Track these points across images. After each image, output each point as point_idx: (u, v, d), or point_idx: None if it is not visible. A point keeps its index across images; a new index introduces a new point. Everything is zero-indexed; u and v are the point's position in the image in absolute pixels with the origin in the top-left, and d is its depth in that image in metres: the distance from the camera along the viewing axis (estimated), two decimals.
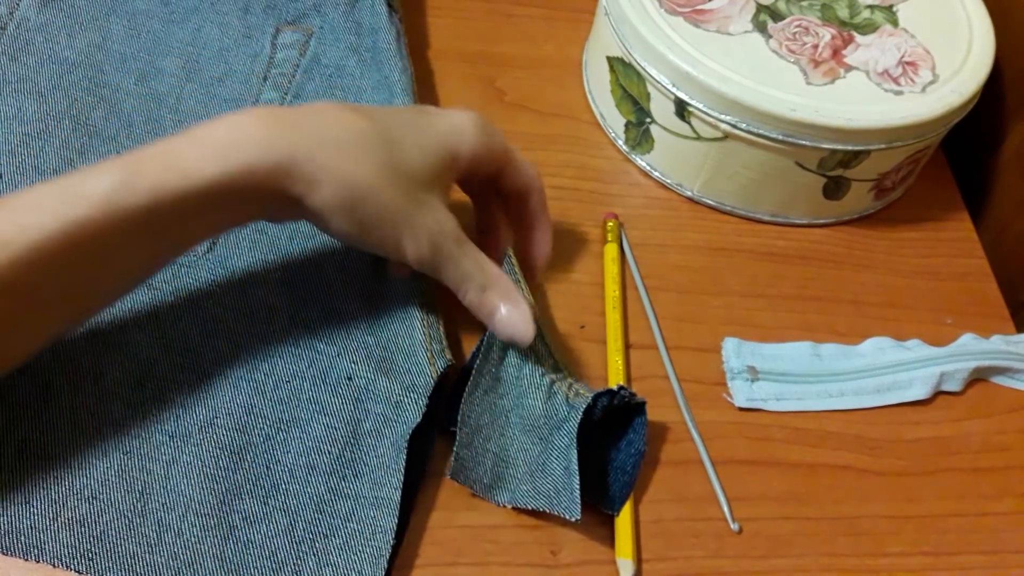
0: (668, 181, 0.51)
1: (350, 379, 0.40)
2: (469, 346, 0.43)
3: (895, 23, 0.51)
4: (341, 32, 0.52)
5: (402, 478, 0.37)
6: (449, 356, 0.41)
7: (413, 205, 0.36)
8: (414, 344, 0.41)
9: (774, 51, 0.48)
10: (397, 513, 0.37)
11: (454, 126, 0.38)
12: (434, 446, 0.40)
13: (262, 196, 0.34)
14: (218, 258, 0.43)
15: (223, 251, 0.43)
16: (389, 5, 0.54)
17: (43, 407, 0.37)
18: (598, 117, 0.54)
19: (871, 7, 0.51)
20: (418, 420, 0.38)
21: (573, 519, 0.36)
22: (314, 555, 0.35)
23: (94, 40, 0.50)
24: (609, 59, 0.51)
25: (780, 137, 0.45)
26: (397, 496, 0.37)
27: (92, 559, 0.34)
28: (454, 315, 0.44)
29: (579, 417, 0.38)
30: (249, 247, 0.44)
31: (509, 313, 0.38)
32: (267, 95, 0.49)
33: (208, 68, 0.50)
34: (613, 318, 0.45)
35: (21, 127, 0.45)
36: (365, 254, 0.44)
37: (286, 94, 0.50)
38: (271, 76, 0.50)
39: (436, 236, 0.36)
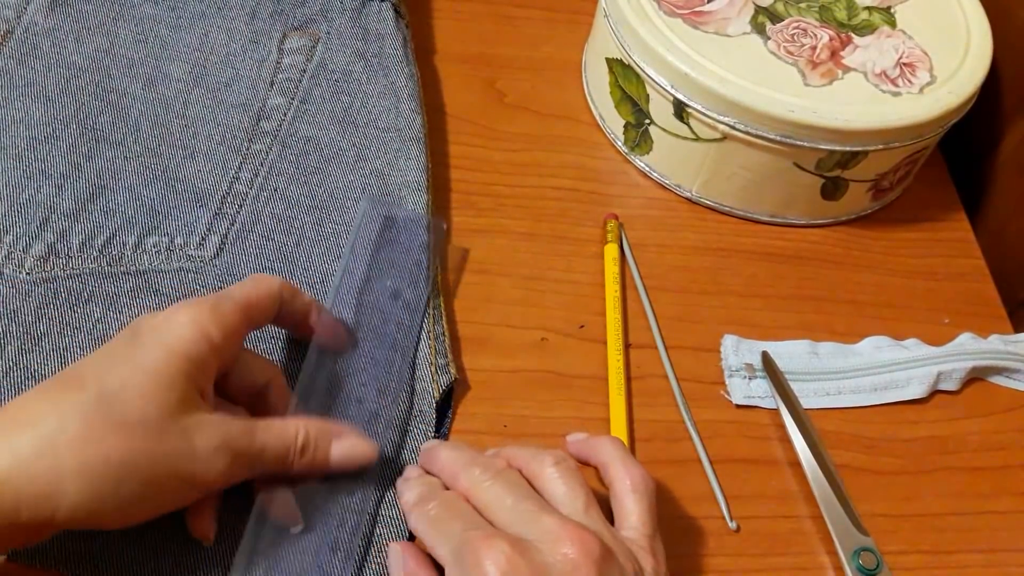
0: (667, 182, 0.52)
1: (360, 402, 0.40)
2: (476, 357, 0.43)
3: (893, 24, 0.51)
4: (348, 38, 0.53)
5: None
6: (453, 371, 0.42)
7: (181, 439, 0.31)
8: (420, 358, 0.41)
9: (772, 52, 0.48)
10: (406, 535, 0.37)
11: (171, 329, 0.33)
12: None
13: None
14: (224, 264, 0.43)
15: (229, 258, 0.43)
16: (396, 11, 0.54)
17: None
18: (597, 118, 0.55)
19: (869, 8, 0.51)
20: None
21: None
22: (317, 568, 0.35)
23: (101, 45, 0.50)
24: (608, 61, 0.51)
25: (778, 138, 0.46)
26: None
27: (96, 565, 0.34)
28: (463, 328, 0.44)
29: None
30: (256, 254, 0.44)
31: (342, 450, 0.35)
32: (274, 100, 0.50)
33: (215, 73, 0.50)
34: (613, 318, 0.45)
35: (28, 131, 0.45)
36: (370, 264, 0.44)
37: (292, 99, 0.50)
38: (278, 81, 0.50)
39: (224, 448, 0.32)
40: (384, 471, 0.38)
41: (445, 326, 0.43)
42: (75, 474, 0.29)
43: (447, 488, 0.36)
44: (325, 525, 0.36)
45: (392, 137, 0.49)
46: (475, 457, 0.36)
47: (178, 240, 0.44)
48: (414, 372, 0.41)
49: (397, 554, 0.35)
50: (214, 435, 0.32)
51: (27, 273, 0.41)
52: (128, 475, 0.30)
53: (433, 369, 0.41)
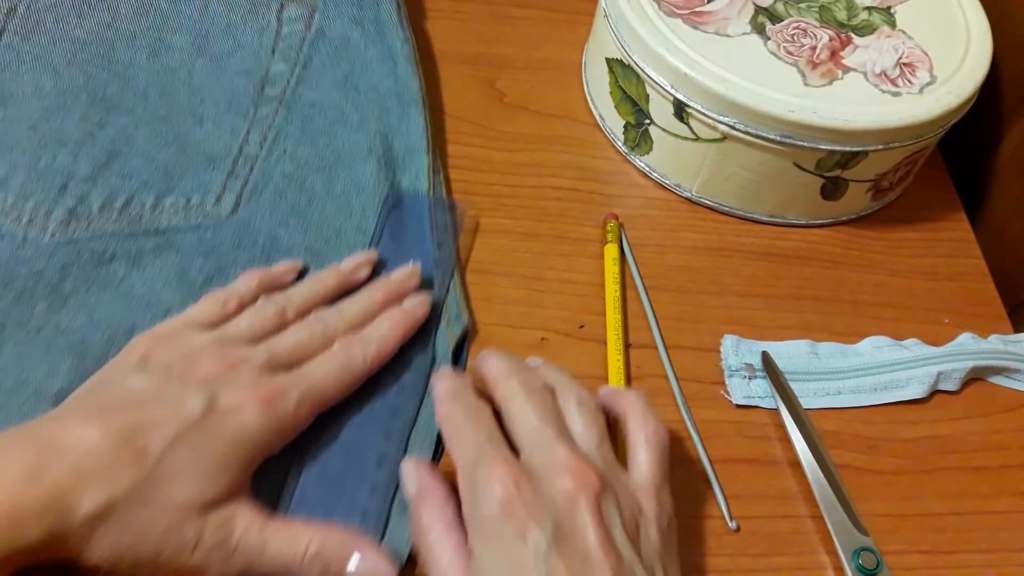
0: (667, 182, 0.52)
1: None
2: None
3: (893, 24, 0.51)
4: (344, 5, 0.54)
5: (434, 440, 0.40)
6: (466, 319, 0.43)
7: (195, 531, 0.33)
8: (435, 310, 0.43)
9: (772, 53, 0.48)
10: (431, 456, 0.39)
11: (241, 430, 0.34)
12: None
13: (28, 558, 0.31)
14: (241, 220, 0.45)
15: (246, 214, 0.45)
16: None
17: (78, 361, 0.39)
18: (597, 118, 0.55)
19: (869, 9, 0.51)
20: None
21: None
22: (354, 503, 0.37)
23: (103, 19, 0.51)
24: (608, 61, 0.51)
25: (778, 138, 0.46)
26: (430, 453, 0.40)
27: None
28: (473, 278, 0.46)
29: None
30: (271, 211, 0.46)
31: (360, 568, 0.35)
32: (276, 67, 0.51)
33: (217, 43, 0.52)
34: (613, 318, 0.45)
35: (40, 102, 0.47)
36: (380, 219, 0.46)
37: (295, 65, 0.51)
38: (279, 49, 0.52)
39: (224, 545, 0.33)
40: (412, 414, 0.40)
41: (456, 279, 0.45)
42: (107, 535, 0.31)
43: (482, 393, 0.37)
44: (363, 463, 0.38)
45: (392, 102, 0.51)
46: (519, 369, 0.37)
47: (194, 199, 0.45)
48: (428, 322, 0.43)
49: (411, 470, 0.36)
50: (223, 534, 0.33)
51: (50, 236, 0.43)
52: (141, 547, 0.32)
53: (447, 320, 0.43)
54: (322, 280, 0.42)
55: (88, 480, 0.31)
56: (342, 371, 0.38)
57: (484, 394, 0.37)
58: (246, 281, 0.41)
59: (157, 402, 0.34)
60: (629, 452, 0.36)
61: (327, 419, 0.38)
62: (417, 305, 0.42)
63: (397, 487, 0.38)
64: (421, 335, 0.42)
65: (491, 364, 0.38)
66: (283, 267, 0.43)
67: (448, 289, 0.44)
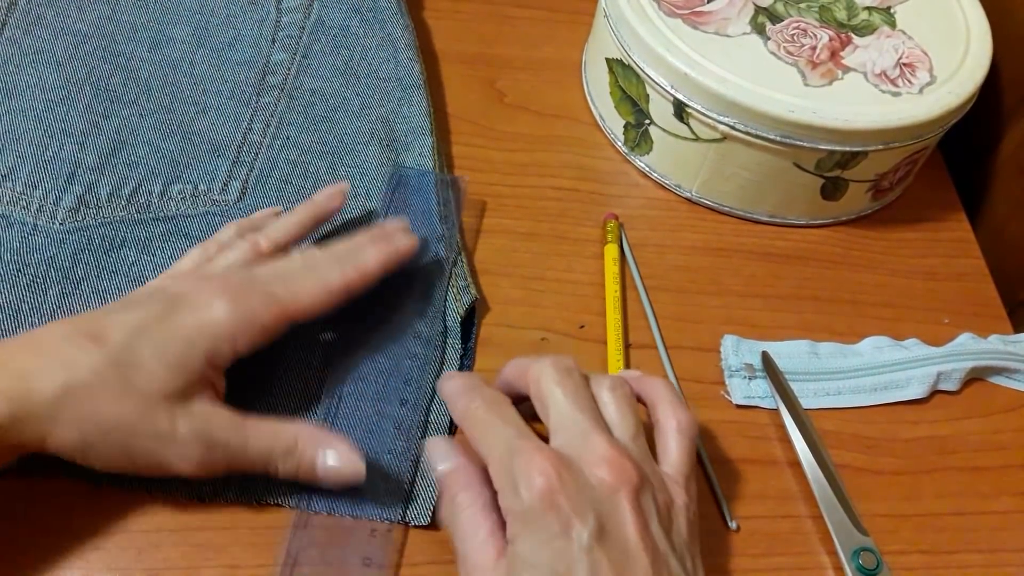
0: (667, 182, 0.52)
1: (390, 322, 0.42)
2: (476, 358, 0.44)
3: (893, 25, 0.51)
4: None
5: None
6: (473, 292, 0.44)
7: (167, 421, 0.33)
8: (443, 282, 0.44)
9: (772, 53, 0.48)
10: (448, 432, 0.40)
11: (203, 322, 0.35)
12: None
13: None
14: (248, 207, 0.46)
15: (252, 200, 0.46)
16: None
17: None
18: (597, 118, 0.55)
19: (869, 9, 0.51)
20: (457, 363, 0.43)
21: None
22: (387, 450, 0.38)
23: (103, 12, 0.52)
24: (608, 61, 0.51)
25: (778, 138, 0.46)
26: (446, 420, 0.40)
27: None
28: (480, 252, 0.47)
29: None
30: (277, 197, 0.46)
31: (329, 461, 0.35)
32: (277, 56, 0.52)
33: (217, 34, 0.52)
34: (613, 318, 0.45)
35: (44, 95, 0.48)
36: (385, 199, 0.47)
37: (295, 54, 0.52)
38: (279, 39, 0.53)
39: (203, 438, 0.34)
40: (426, 384, 0.41)
41: (462, 254, 0.46)
42: (72, 417, 0.32)
43: (506, 392, 0.37)
44: (382, 431, 0.39)
45: (393, 86, 0.52)
46: (550, 355, 0.37)
47: (201, 187, 0.46)
48: (439, 294, 0.44)
49: (442, 447, 0.37)
50: (200, 427, 0.34)
51: (60, 224, 0.43)
52: (112, 435, 0.33)
53: (455, 291, 0.44)
54: (295, 213, 0.42)
55: (47, 363, 0.32)
56: (314, 278, 0.38)
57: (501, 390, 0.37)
58: (226, 230, 0.41)
59: (122, 306, 0.36)
60: (659, 440, 0.36)
61: (341, 391, 0.40)
62: (400, 237, 0.41)
63: (417, 453, 0.39)
64: (431, 307, 0.43)
65: (519, 359, 0.37)
66: (261, 213, 0.43)
67: (455, 263, 0.45)
